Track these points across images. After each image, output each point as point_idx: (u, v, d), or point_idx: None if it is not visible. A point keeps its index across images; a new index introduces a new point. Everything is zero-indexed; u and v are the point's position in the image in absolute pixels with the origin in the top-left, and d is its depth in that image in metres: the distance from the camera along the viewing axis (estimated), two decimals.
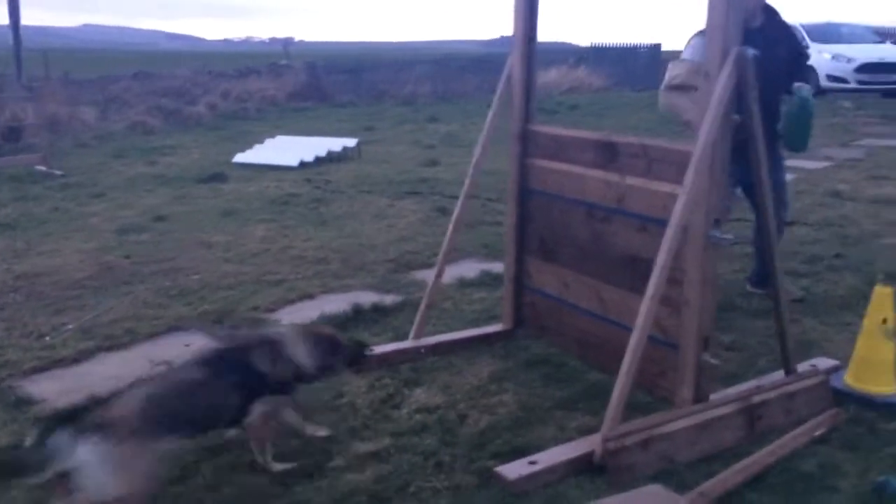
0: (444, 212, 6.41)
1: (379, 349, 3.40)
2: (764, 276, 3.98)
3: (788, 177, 7.66)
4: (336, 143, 9.28)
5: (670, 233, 2.64)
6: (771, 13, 3.88)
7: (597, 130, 3.54)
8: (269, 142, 9.62)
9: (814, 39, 15.39)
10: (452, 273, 4.80)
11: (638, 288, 2.96)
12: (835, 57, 14.76)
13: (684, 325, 2.81)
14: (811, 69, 4.25)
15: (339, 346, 2.73)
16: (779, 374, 3.11)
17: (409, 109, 16.05)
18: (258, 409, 2.48)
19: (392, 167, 8.76)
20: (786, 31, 4.00)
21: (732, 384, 3.16)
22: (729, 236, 2.74)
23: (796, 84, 3.88)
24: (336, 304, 4.15)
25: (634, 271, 3.01)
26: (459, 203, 3.65)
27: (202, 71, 20.84)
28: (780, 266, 4.31)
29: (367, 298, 4.24)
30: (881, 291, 3.04)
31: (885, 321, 3.01)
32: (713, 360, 2.82)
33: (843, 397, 3.05)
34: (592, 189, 3.21)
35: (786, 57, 3.84)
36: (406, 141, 11.18)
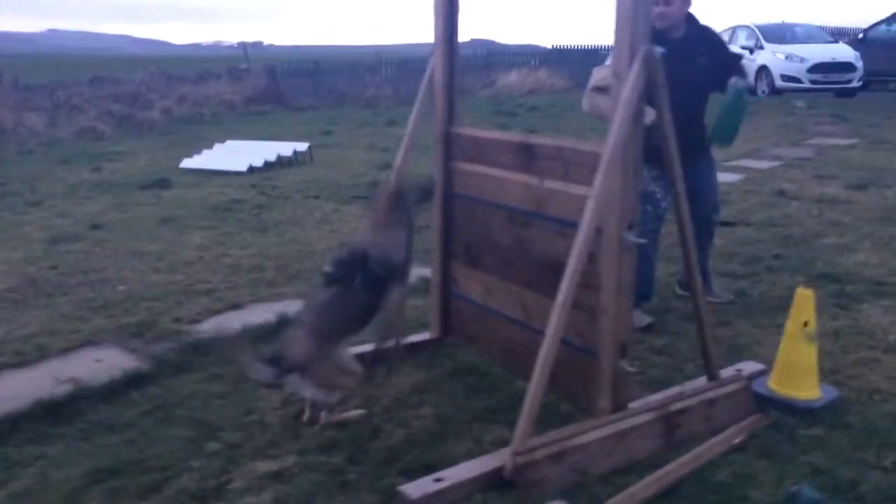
0: None
1: None
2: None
3: (736, 177, 7.74)
4: (287, 148, 9.13)
5: (580, 237, 2.56)
6: (693, 21, 3.83)
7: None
8: (218, 147, 9.44)
9: (768, 40, 15.59)
10: None
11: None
12: (788, 57, 14.93)
13: (601, 332, 2.74)
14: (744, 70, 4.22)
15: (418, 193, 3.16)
16: (702, 380, 3.05)
17: (369, 113, 15.93)
18: (386, 302, 2.95)
19: (343, 171, 8.64)
20: (709, 37, 3.95)
21: (660, 390, 3.11)
22: (644, 240, 2.67)
23: (732, 79, 3.83)
24: (262, 314, 4.02)
25: (556, 278, 2.92)
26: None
27: (160, 75, 20.54)
28: (710, 268, 4.29)
29: (298, 307, 4.12)
30: (802, 294, 2.99)
31: (806, 324, 2.97)
32: (631, 368, 2.75)
33: (766, 403, 3.00)
34: (512, 193, 3.13)
35: (709, 64, 3.79)
36: (362, 145, 11.05)
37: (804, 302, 2.98)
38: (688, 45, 3.71)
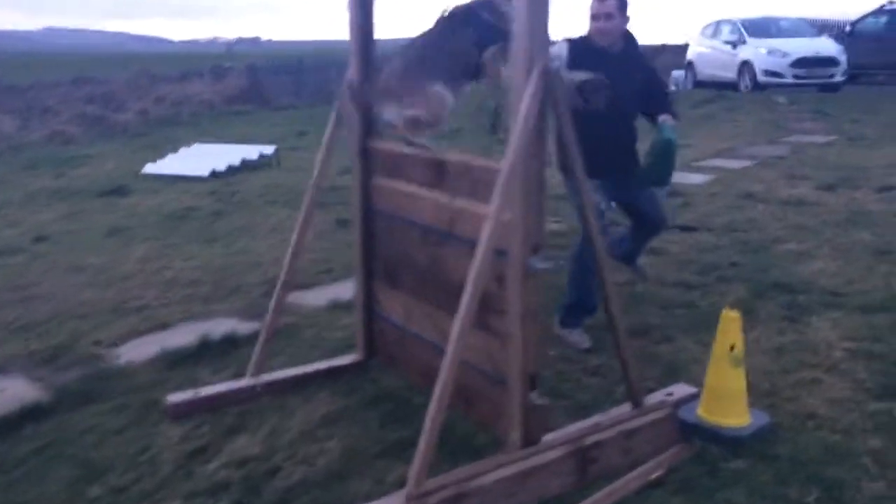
0: (345, 224, 6.13)
1: (206, 391, 3.13)
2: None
3: (704, 178, 7.57)
4: (253, 151, 8.96)
5: (477, 260, 2.40)
6: (630, 39, 3.73)
7: None
8: (184, 151, 9.26)
9: (752, 34, 15.39)
10: (327, 294, 4.57)
11: (474, 320, 2.74)
12: (770, 52, 14.73)
13: (509, 361, 2.58)
14: (671, 100, 4.12)
15: None
16: (625, 408, 2.89)
17: None
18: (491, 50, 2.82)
19: (309, 175, 8.41)
20: (642, 58, 3.92)
21: (587, 415, 2.95)
22: (549, 264, 2.51)
23: (661, 117, 3.67)
24: (187, 335, 3.86)
25: None
26: (297, 228, 3.39)
27: (144, 74, 20.34)
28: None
29: (227, 326, 3.97)
30: (728, 316, 2.83)
31: (732, 348, 2.81)
32: (540, 400, 2.59)
33: (693, 431, 2.84)
34: (426, 211, 2.97)
35: (641, 83, 3.69)
36: (335, 146, 10.84)
37: (730, 325, 2.82)
38: (625, 62, 3.59)
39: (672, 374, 3.37)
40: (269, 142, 11.83)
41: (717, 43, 16.35)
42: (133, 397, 3.19)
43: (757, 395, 3.14)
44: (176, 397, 3.07)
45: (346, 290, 4.53)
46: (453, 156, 2.87)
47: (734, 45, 15.60)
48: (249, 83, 17.87)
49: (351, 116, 3.31)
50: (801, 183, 7.11)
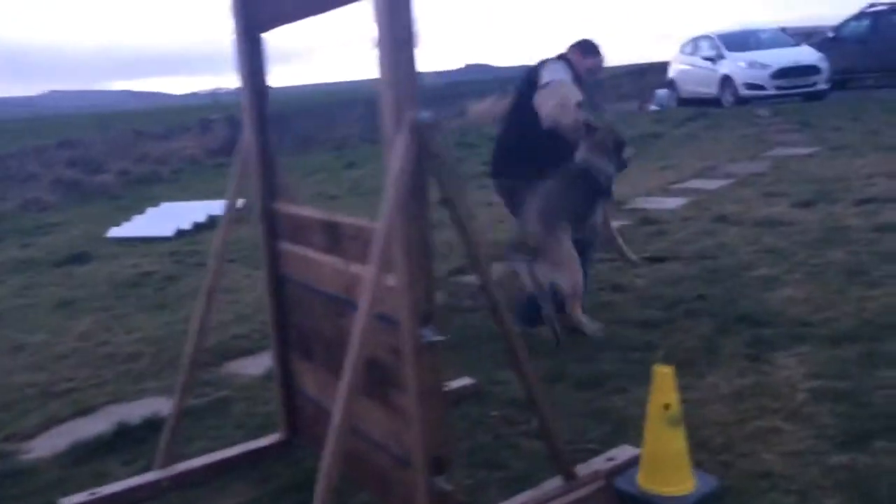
0: None
1: (105, 490, 2.87)
2: None
3: (680, 202, 7.32)
4: (219, 207, 8.73)
5: (357, 328, 2.15)
6: None
7: None
8: (151, 211, 9.10)
9: (730, 48, 15.26)
10: (265, 362, 4.30)
11: (376, 395, 2.49)
12: (750, 64, 14.56)
13: (411, 442, 2.31)
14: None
15: (619, 142, 4.15)
16: (557, 481, 2.61)
17: (331, 157, 15.61)
18: (601, 207, 4.10)
19: None
20: None
21: (521, 489, 2.67)
22: (441, 337, 2.25)
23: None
24: (106, 421, 3.60)
25: (376, 375, 2.52)
26: (201, 302, 3.15)
27: (128, 133, 20.37)
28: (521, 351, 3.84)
29: (151, 408, 3.71)
30: (660, 373, 2.55)
31: (667, 407, 2.53)
32: (446, 486, 2.31)
33: (632, 503, 2.55)
34: (325, 277, 2.73)
35: None
36: (307, 194, 10.68)
37: (663, 381, 2.54)
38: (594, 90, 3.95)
39: (621, 432, 3.08)
40: (247, 194, 11.71)
41: (696, 59, 16.22)
42: (30, 502, 2.93)
43: (710, 450, 2.86)
44: (69, 501, 2.81)
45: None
46: (346, 218, 2.63)
47: (713, 60, 15.45)
48: (231, 135, 17.80)
49: (252, 177, 3.09)
50: (778, 200, 6.84)
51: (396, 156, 2.12)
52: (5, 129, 33.60)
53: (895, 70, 15.53)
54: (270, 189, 3.11)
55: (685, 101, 16.50)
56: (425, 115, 2.10)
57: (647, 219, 6.57)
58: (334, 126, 18.92)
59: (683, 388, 3.39)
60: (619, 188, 8.16)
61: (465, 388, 3.60)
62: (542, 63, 4.18)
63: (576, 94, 4.04)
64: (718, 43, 15.41)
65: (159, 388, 4.07)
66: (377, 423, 2.51)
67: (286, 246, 3.04)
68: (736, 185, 7.83)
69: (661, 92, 18.30)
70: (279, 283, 3.15)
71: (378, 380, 2.43)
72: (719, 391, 3.34)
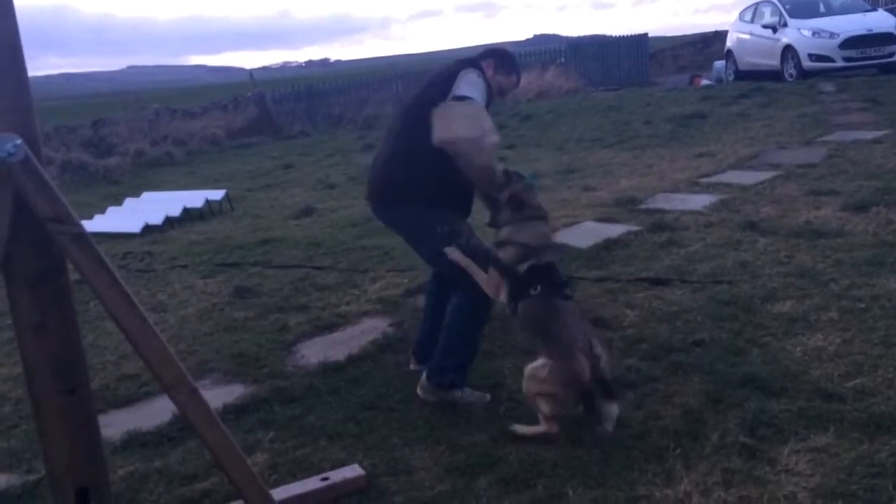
0: (243, 294, 5.08)
1: None
2: None
3: (707, 200, 6.15)
4: (198, 198, 8.00)
5: None
6: None
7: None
8: (129, 202, 8.40)
9: (793, 15, 13.69)
10: (138, 417, 3.48)
11: None
12: (816, 33, 12.93)
13: None
14: None
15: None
16: None
17: (355, 137, 14.76)
18: None
19: (254, 224, 7.45)
20: None
21: None
22: None
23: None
24: None
25: None
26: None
27: (164, 111, 19.92)
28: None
29: None
30: None
31: None
32: None
33: None
34: None
35: None
36: (309, 182, 9.87)
37: None
38: None
39: None
40: (252, 177, 10.98)
41: (756, 27, 14.62)
42: None
43: None
44: None
45: (161, 409, 3.43)
46: None
47: (774, 28, 13.86)
48: (259, 113, 17.14)
49: None
50: (827, 201, 5.63)
51: None
52: (80, 104, 33.79)
53: None
54: None
55: (744, 75, 14.95)
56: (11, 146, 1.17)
57: (661, 224, 5.46)
58: (361, 104, 17.99)
59: (640, 501, 2.42)
60: (637, 181, 7.19)
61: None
62: (461, 67, 3.13)
63: (494, 132, 3.05)
64: (781, 8, 13.78)
65: (7, 450, 3.29)
66: None
67: None
68: (779, 180, 6.59)
69: (718, 64, 16.74)
70: None
71: None
72: None
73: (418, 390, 3.27)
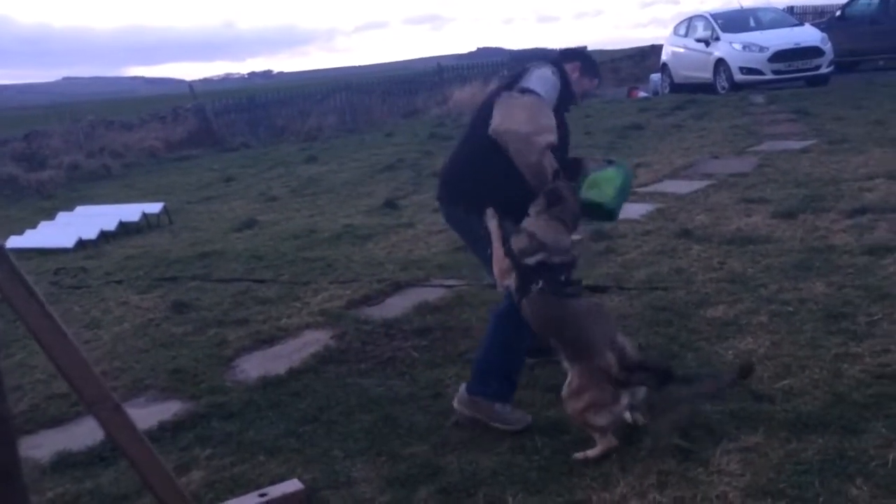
0: (181, 309, 4.97)
1: None
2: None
3: (644, 209, 6.29)
4: (134, 212, 7.81)
5: None
6: None
7: None
8: (62, 216, 8.15)
9: (725, 30, 14.15)
10: (67, 438, 3.37)
11: None
12: (746, 46, 13.40)
13: None
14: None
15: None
16: None
17: (298, 149, 14.62)
18: None
19: (194, 237, 7.30)
20: None
21: None
22: None
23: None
24: None
25: None
26: None
27: (98, 123, 19.40)
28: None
29: None
30: None
31: None
32: None
33: None
34: None
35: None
36: (252, 194, 9.73)
37: None
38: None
39: None
40: (192, 190, 10.78)
41: (690, 41, 15.06)
42: None
43: None
44: None
45: (92, 428, 3.32)
46: None
47: (707, 42, 14.30)
48: (199, 125, 16.84)
49: None
50: (757, 209, 5.82)
51: None
52: (11, 116, 32.59)
53: None
54: None
55: (679, 87, 15.37)
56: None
57: (599, 232, 5.56)
58: (305, 116, 17.85)
59: None
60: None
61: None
62: (535, 64, 3.07)
63: (552, 131, 2.91)
64: (713, 23, 14.24)
65: None
66: None
67: None
68: (712, 188, 6.78)
69: (655, 77, 17.18)
70: None
71: None
72: None
73: (454, 403, 3.10)
